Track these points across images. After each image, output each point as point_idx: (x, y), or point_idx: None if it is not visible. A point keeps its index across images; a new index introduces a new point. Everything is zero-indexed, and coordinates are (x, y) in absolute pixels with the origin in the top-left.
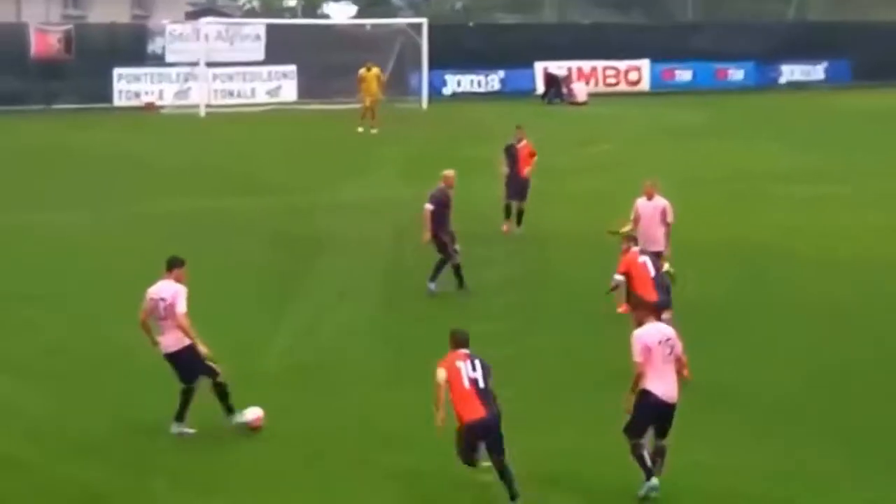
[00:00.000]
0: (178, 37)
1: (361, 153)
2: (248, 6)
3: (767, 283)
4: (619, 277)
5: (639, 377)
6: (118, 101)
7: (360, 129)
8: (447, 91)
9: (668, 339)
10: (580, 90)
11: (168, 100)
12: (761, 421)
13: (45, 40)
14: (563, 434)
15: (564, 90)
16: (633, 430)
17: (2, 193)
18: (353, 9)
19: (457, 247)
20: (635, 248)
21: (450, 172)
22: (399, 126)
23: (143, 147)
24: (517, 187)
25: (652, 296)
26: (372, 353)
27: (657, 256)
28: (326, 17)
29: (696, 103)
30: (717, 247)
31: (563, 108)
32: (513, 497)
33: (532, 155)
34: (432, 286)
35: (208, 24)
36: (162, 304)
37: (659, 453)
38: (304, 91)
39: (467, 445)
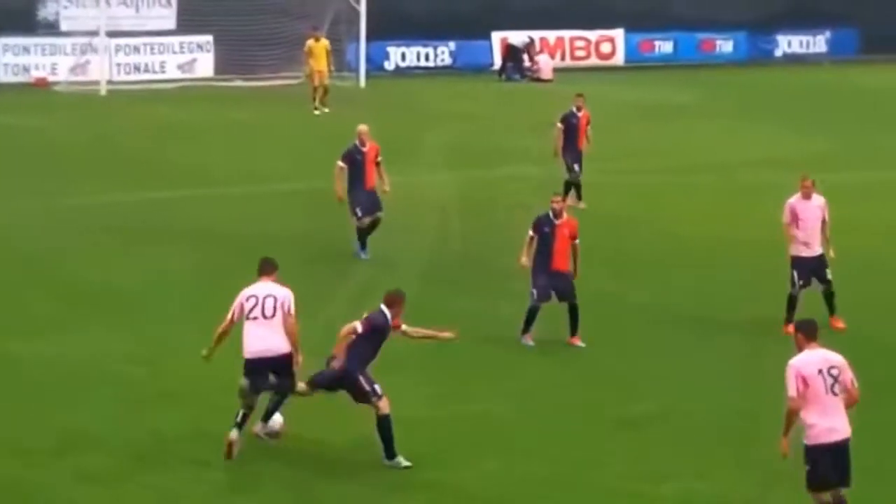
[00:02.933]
0: (73, 1)
1: (286, 138)
2: None
3: (766, 282)
4: None
5: (790, 416)
6: (3, 77)
7: (317, 112)
8: (389, 66)
9: (831, 368)
10: (546, 64)
11: (63, 75)
12: None
13: None
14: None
15: (527, 64)
16: (815, 484)
17: None
18: None
19: (359, 213)
20: None
21: (362, 128)
22: (332, 107)
23: (35, 131)
24: (576, 159)
25: None
26: None
27: (825, 260)
28: None
29: (678, 80)
30: (707, 245)
31: (524, 85)
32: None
33: (587, 124)
34: (363, 254)
35: None
36: (271, 302)
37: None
38: (223, 65)
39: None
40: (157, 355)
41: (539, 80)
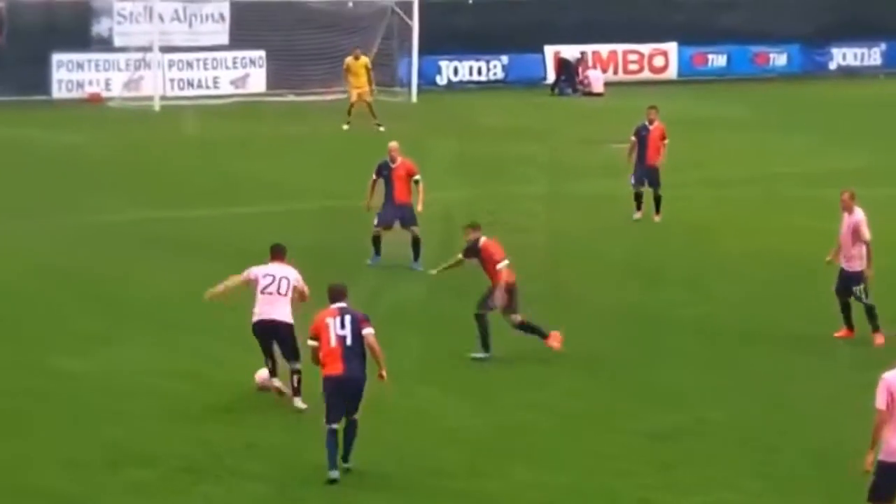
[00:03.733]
0: (127, 17)
1: (334, 153)
2: None
3: (802, 296)
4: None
5: (877, 429)
6: (58, 93)
7: (346, 127)
8: (441, 80)
9: None
10: (596, 79)
11: (116, 91)
12: None
13: None
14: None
15: (578, 78)
16: (873, 495)
17: None
18: None
19: (375, 221)
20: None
21: (392, 144)
22: (383, 122)
23: (88, 146)
24: (647, 174)
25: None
26: None
27: (856, 276)
28: None
29: (730, 93)
30: (747, 258)
31: (575, 100)
32: (344, 458)
33: (663, 138)
34: (376, 259)
35: (163, 2)
36: (286, 282)
37: None
38: (275, 80)
39: (326, 399)
40: (202, 369)
41: (590, 94)
